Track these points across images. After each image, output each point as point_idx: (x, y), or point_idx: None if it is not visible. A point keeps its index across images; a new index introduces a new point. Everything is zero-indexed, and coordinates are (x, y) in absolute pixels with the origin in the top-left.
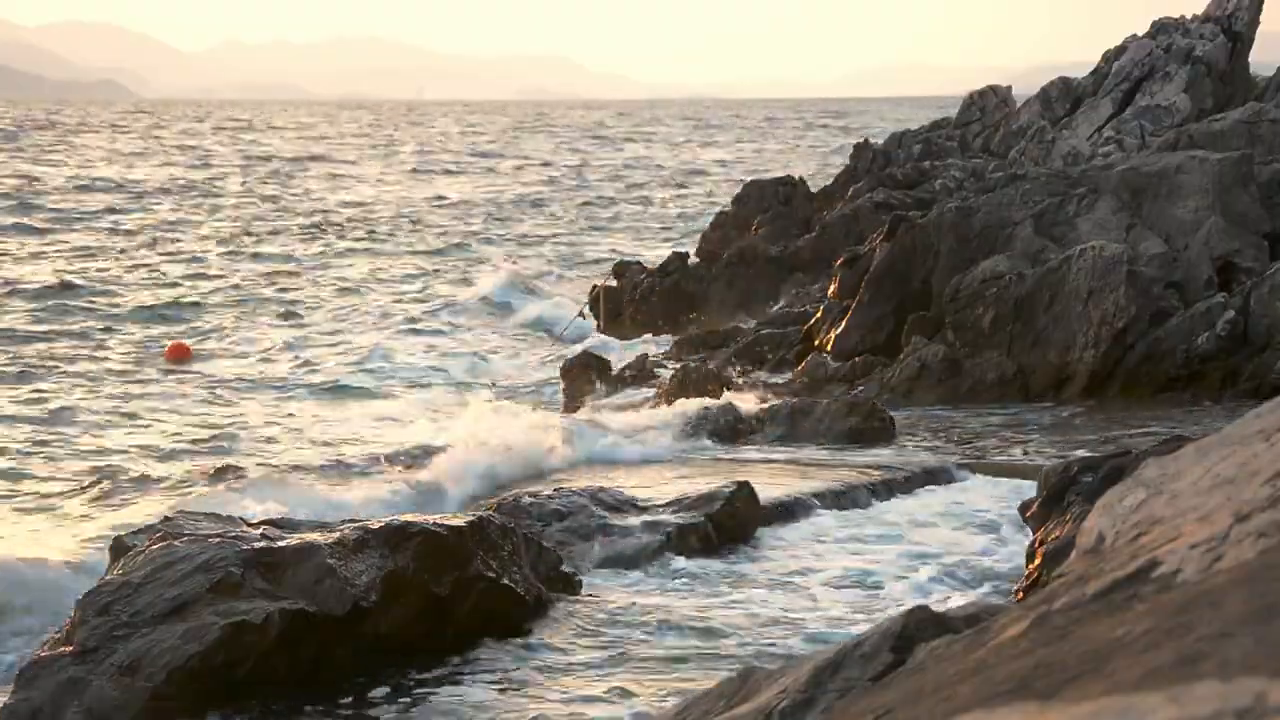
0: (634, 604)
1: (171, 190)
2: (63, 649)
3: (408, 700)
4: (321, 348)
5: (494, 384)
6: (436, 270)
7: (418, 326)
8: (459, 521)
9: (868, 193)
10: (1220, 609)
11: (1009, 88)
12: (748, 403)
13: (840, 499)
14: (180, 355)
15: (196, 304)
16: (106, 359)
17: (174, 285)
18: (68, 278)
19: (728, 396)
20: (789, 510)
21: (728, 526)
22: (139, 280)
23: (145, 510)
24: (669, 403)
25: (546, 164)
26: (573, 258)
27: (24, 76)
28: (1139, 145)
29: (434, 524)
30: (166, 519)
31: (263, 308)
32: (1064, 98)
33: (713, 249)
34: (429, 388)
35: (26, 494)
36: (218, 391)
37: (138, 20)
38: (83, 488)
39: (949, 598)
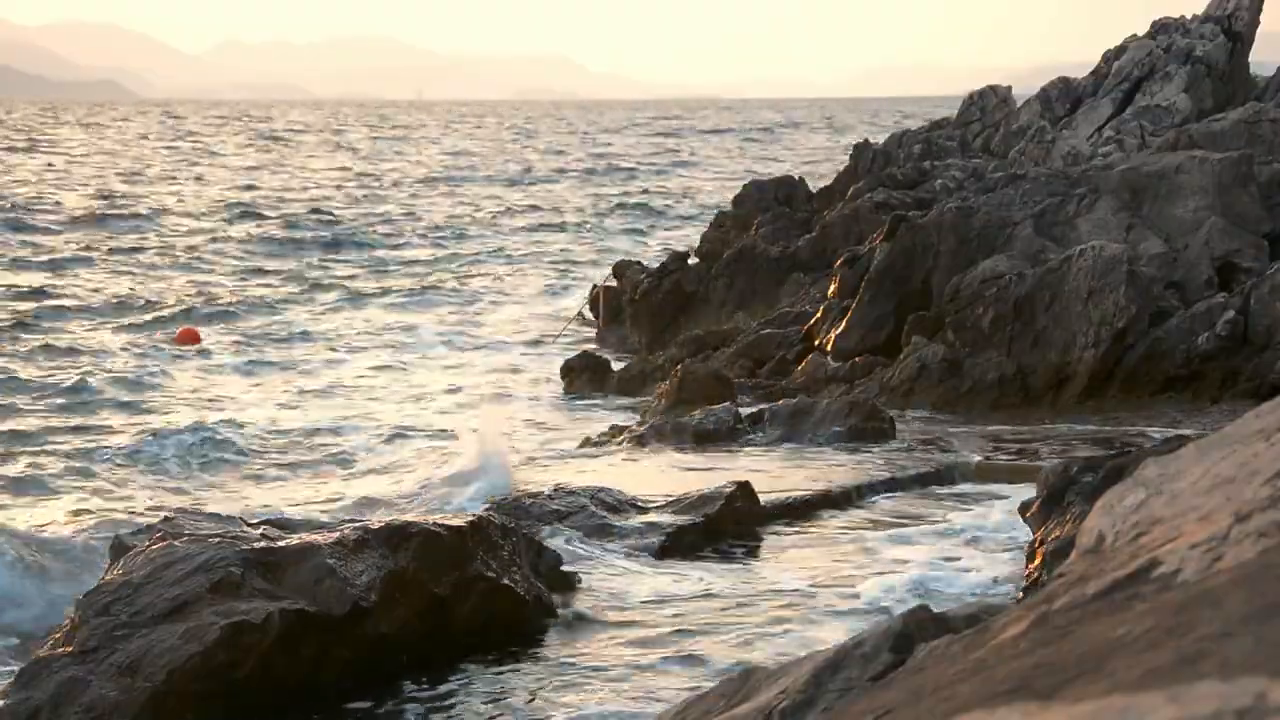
0: (633, 604)
1: None
2: (63, 649)
3: (407, 701)
4: None
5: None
6: None
7: None
8: (459, 521)
9: (868, 193)
10: (1220, 608)
11: (1009, 88)
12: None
13: (841, 498)
14: (189, 340)
15: None
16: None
17: None
18: None
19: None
20: (789, 509)
21: (728, 526)
22: None
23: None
24: (668, 404)
25: None
26: None
27: (24, 76)
28: (1139, 145)
29: (434, 524)
30: (166, 519)
31: None
32: (1064, 98)
33: (713, 249)
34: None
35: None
36: None
37: (138, 20)
38: None
39: (950, 595)
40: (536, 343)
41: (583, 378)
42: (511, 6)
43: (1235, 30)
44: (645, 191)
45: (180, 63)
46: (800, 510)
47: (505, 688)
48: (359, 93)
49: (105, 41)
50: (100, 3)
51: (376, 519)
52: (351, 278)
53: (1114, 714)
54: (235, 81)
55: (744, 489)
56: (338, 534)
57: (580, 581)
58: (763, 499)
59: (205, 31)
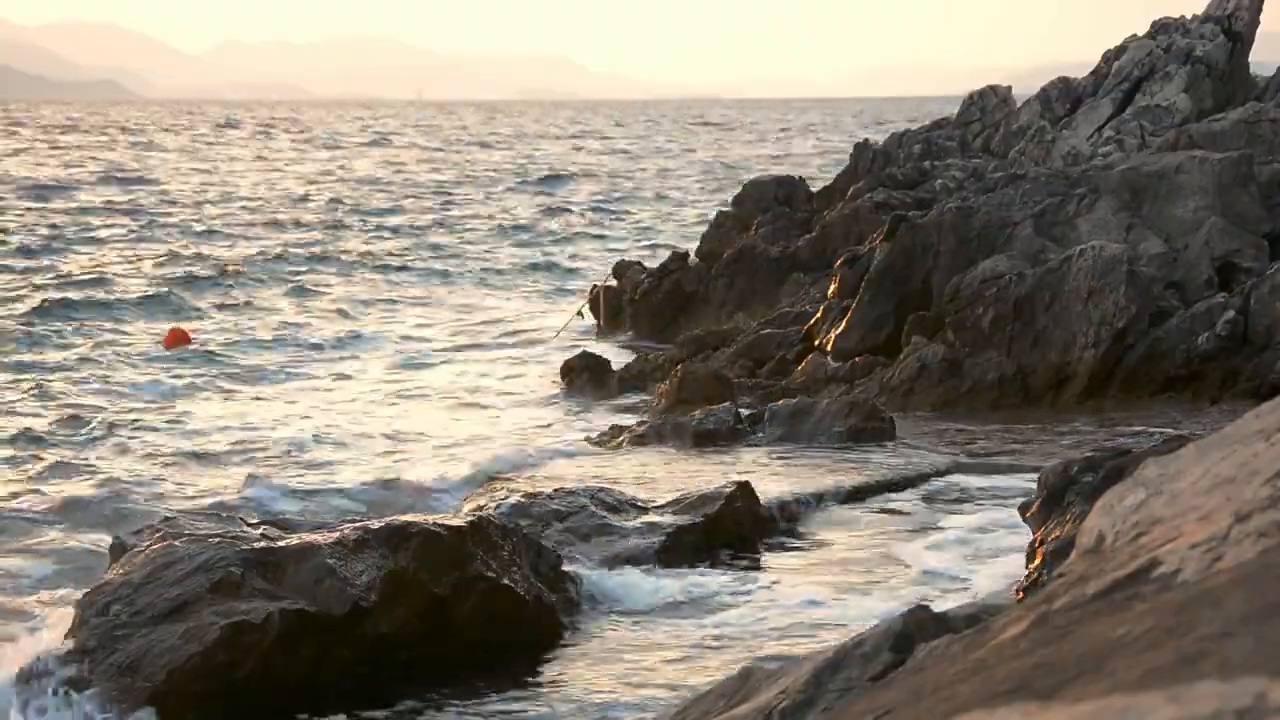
0: (633, 604)
1: None
2: (63, 649)
3: (407, 701)
4: None
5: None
6: None
7: None
8: (459, 521)
9: (868, 193)
10: (1220, 608)
11: (1009, 88)
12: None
13: (841, 498)
14: (179, 341)
15: None
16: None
17: None
18: None
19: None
20: (789, 509)
21: (728, 526)
22: None
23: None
24: (668, 404)
25: None
26: None
27: (24, 76)
28: (1139, 145)
29: (434, 524)
30: (166, 519)
31: None
32: (1064, 98)
33: (713, 249)
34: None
35: None
36: None
37: (138, 20)
38: None
39: (949, 595)
40: (537, 343)
41: (583, 377)
42: (511, 6)
43: (1235, 30)
44: None
45: (180, 63)
46: (800, 510)
47: (505, 688)
48: (359, 93)
49: (105, 41)
50: (100, 3)
51: (376, 519)
52: (347, 280)
53: (1114, 714)
54: (235, 81)
55: (744, 489)
56: (338, 534)
57: (580, 581)
58: (763, 499)
59: (205, 31)
